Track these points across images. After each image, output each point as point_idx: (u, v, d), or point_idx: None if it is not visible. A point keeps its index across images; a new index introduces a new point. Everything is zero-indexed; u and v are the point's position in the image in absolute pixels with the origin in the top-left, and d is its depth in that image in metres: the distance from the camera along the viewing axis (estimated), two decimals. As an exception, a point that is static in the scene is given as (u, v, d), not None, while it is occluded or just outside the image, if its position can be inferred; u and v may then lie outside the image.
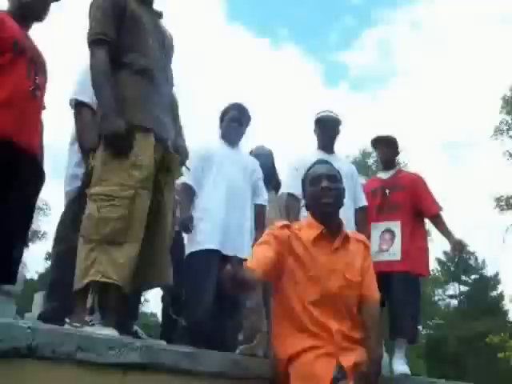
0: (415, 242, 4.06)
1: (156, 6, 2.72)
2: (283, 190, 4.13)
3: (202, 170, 3.62)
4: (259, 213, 3.82)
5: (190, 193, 3.60)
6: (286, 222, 2.58)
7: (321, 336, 2.36)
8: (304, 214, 3.46)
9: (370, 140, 4.55)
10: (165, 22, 2.77)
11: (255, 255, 2.40)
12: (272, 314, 2.60)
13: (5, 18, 2.68)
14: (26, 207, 2.75)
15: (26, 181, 2.65)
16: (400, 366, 3.80)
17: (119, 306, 2.47)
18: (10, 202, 2.55)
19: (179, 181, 3.47)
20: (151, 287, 2.67)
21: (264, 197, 3.90)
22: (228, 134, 3.86)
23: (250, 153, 4.54)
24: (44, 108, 2.98)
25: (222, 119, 3.94)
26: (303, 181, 2.71)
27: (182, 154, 2.69)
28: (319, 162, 2.78)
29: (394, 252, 3.98)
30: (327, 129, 4.12)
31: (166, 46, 2.70)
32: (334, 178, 2.62)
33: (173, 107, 2.72)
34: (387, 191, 4.20)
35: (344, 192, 2.69)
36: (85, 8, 2.52)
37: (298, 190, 3.87)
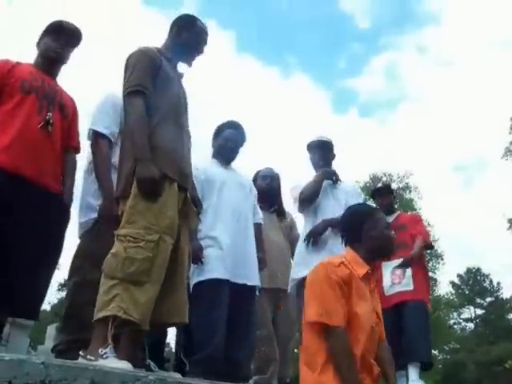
0: (420, 273, 4.42)
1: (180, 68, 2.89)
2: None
3: (203, 196, 3.49)
4: (258, 232, 3.75)
5: None
6: (340, 259, 2.50)
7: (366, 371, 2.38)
8: None
9: (371, 192, 4.76)
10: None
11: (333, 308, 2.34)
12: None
13: (15, 66, 2.89)
14: (47, 243, 2.77)
15: (34, 212, 2.69)
16: (415, 383, 3.90)
17: (134, 340, 2.49)
18: (25, 237, 2.62)
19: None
20: (168, 325, 2.71)
21: (260, 215, 3.87)
22: (222, 152, 3.79)
23: (258, 173, 4.53)
24: (77, 150, 3.12)
25: (216, 136, 3.87)
26: (361, 221, 2.67)
27: (197, 204, 2.82)
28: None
29: (407, 283, 4.29)
30: (318, 154, 4.13)
31: (186, 103, 2.84)
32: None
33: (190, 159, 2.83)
34: (394, 233, 4.30)
35: None
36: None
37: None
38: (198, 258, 3.36)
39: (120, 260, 2.29)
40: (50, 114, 2.84)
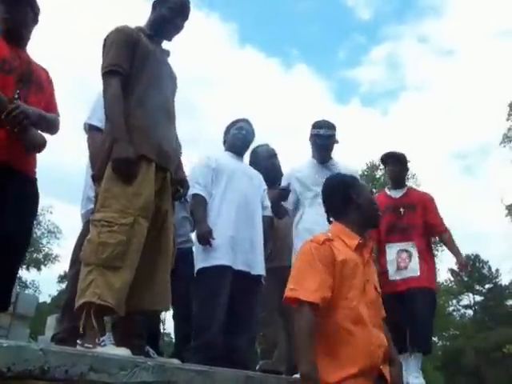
0: (428, 259, 4.21)
1: (165, 45, 2.85)
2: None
3: (212, 182, 3.59)
4: (266, 225, 3.78)
5: (204, 204, 3.53)
6: (324, 237, 2.45)
7: (367, 351, 2.29)
8: None
9: (380, 156, 4.57)
10: (172, 60, 2.89)
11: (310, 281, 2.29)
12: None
13: None
14: (22, 226, 2.77)
15: (20, 200, 2.69)
16: (415, 380, 3.81)
17: (131, 327, 2.50)
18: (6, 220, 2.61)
19: (190, 192, 3.40)
20: (149, 312, 2.69)
21: (269, 209, 3.87)
22: (235, 142, 3.85)
23: (256, 152, 4.46)
24: (55, 111, 3.04)
25: (227, 131, 3.94)
26: (350, 186, 2.65)
27: (183, 186, 2.77)
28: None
29: (414, 269, 4.09)
30: (321, 146, 4.04)
31: (171, 82, 2.81)
32: None
33: (175, 141, 2.79)
34: (402, 211, 4.23)
35: None
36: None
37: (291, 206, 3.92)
38: (206, 240, 3.37)
39: (94, 246, 2.28)
40: (17, 91, 2.74)
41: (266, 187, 3.92)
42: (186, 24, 2.84)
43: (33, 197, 2.86)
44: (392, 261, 4.14)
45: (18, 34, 2.94)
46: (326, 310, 2.29)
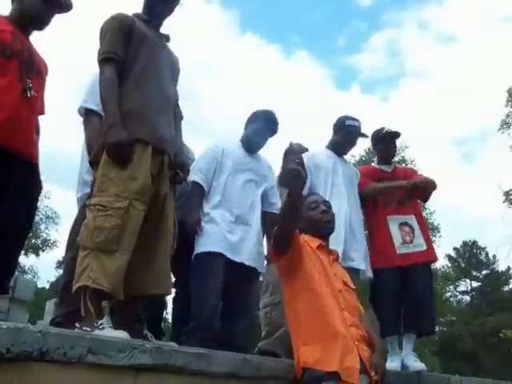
0: (425, 230, 4.20)
1: (164, 30, 2.84)
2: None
3: (214, 172, 3.58)
4: (269, 222, 3.68)
5: (200, 193, 3.54)
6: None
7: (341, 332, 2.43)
8: None
9: (379, 134, 4.45)
10: (172, 45, 2.88)
11: None
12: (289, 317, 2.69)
13: None
14: (24, 211, 2.76)
15: (21, 185, 2.68)
16: (415, 363, 3.79)
17: (130, 310, 2.51)
18: (7, 205, 2.60)
19: (189, 178, 3.39)
20: (149, 296, 2.70)
21: (276, 206, 3.79)
22: (249, 142, 3.80)
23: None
24: (42, 113, 3.02)
25: (248, 122, 3.87)
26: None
27: (183, 170, 2.77)
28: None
29: (420, 243, 4.05)
30: (351, 138, 4.15)
31: (172, 66, 2.79)
32: (328, 203, 3.02)
33: (176, 125, 2.78)
34: None
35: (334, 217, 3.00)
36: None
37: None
38: (194, 230, 3.40)
39: (90, 230, 2.30)
40: (29, 80, 2.75)
41: (274, 184, 3.87)
42: (180, 6, 2.83)
43: (35, 183, 2.86)
44: (396, 234, 4.06)
45: (32, 30, 2.93)
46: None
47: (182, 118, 3.08)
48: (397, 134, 4.47)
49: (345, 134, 4.11)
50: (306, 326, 2.52)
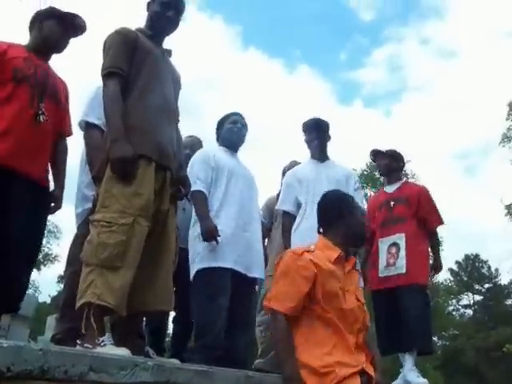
0: (418, 251, 4.10)
1: (166, 45, 2.85)
2: (278, 206, 4.11)
3: (212, 181, 3.52)
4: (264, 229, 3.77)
5: (205, 200, 3.46)
6: (303, 248, 2.58)
7: (343, 350, 2.39)
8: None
9: (369, 153, 4.58)
10: (174, 60, 2.89)
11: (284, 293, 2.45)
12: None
13: (8, 50, 2.82)
14: (30, 232, 2.78)
15: (26, 207, 2.71)
16: (417, 379, 3.78)
17: (131, 327, 2.49)
18: (10, 226, 2.64)
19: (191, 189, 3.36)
20: (151, 313, 2.68)
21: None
22: (231, 137, 3.77)
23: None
24: (68, 134, 3.12)
25: (219, 126, 3.86)
26: (339, 207, 2.73)
27: (185, 185, 2.75)
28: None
29: (400, 266, 4.03)
30: (317, 134, 4.09)
31: (174, 81, 2.79)
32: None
33: (177, 140, 2.77)
34: (392, 204, 4.23)
35: None
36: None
37: (291, 207, 3.90)
38: (213, 237, 3.32)
39: (94, 246, 2.28)
40: (41, 104, 2.81)
41: (257, 192, 3.87)
42: (183, 21, 2.84)
43: (44, 204, 2.91)
44: (383, 257, 4.12)
45: (51, 54, 3.05)
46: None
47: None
48: (380, 151, 4.49)
49: (308, 134, 4.11)
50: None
